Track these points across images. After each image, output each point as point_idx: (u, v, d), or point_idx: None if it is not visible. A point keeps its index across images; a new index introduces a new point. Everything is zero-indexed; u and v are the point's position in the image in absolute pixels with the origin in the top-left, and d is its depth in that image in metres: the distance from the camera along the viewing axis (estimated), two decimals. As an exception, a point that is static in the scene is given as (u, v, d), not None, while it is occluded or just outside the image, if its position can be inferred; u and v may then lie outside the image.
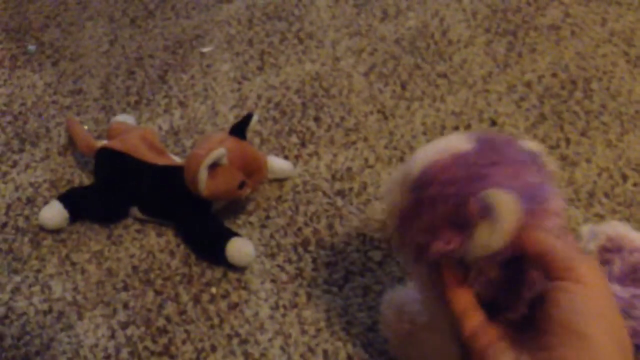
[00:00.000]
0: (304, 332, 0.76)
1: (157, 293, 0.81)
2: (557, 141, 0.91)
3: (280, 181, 0.89)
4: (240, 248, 0.80)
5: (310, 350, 0.75)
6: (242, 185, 0.79)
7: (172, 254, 0.84)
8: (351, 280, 0.80)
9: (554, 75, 0.98)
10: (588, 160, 0.89)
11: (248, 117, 0.81)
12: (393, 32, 1.06)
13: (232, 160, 0.78)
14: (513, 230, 0.51)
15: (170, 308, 0.79)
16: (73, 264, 0.84)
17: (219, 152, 0.75)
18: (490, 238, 0.51)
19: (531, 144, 0.58)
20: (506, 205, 0.50)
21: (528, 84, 0.97)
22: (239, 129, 0.81)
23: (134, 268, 0.83)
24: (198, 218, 0.83)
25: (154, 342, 0.77)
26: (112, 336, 0.77)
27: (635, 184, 0.85)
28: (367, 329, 0.76)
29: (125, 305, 0.80)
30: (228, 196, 0.80)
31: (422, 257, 0.57)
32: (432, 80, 0.99)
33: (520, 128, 0.92)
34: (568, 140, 0.91)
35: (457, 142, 0.56)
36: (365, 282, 0.80)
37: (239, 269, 0.81)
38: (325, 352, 0.75)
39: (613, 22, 1.04)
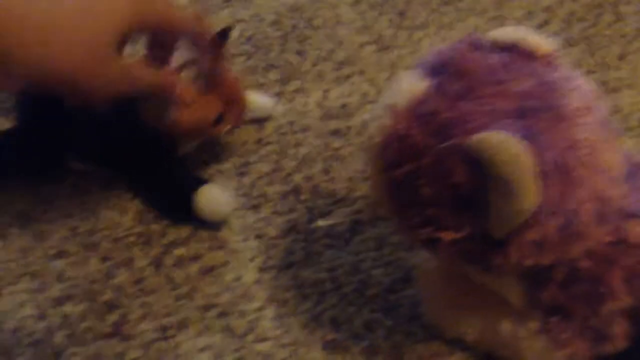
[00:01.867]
0: (304, 297, 0.57)
1: (104, 259, 0.61)
2: (593, 67, 0.75)
3: (258, 122, 0.71)
4: (212, 197, 0.61)
5: (315, 318, 0.56)
6: (219, 120, 0.61)
7: (123, 210, 0.64)
8: (360, 231, 0.62)
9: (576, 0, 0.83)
10: (631, 86, 0.74)
11: (225, 32, 0.62)
12: (382, -39, 0.90)
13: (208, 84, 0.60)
14: (535, 178, 0.34)
15: (121, 276, 0.59)
16: (-12, 228, 0.63)
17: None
18: (513, 205, 0.35)
19: (505, 32, 0.41)
20: (503, 152, 0.34)
21: (548, 9, 0.82)
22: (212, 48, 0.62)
23: (72, 230, 0.63)
24: (158, 163, 0.64)
25: (101, 320, 0.56)
26: (42, 316, 0.57)
27: (693, 108, 0.71)
28: (387, 290, 0.58)
29: (60, 277, 0.59)
30: (200, 132, 0.62)
31: (434, 251, 0.41)
32: (435, 7, 0.83)
33: (546, 54, 0.77)
34: (605, 66, 0.75)
35: (408, 85, 0.39)
36: (378, 232, 0.62)
37: (213, 225, 0.62)
38: (334, 320, 0.56)
39: (632, -54, 0.91)
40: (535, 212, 0.35)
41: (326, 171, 0.67)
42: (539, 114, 0.36)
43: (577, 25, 0.80)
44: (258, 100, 0.70)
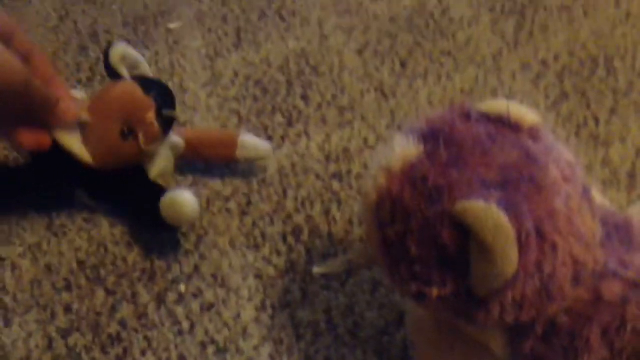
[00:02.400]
0: (299, 336, 0.60)
1: (109, 293, 0.63)
2: (584, 120, 0.78)
3: (262, 162, 0.74)
4: (176, 200, 0.62)
5: (309, 358, 0.58)
6: (126, 136, 0.63)
7: (129, 246, 0.67)
8: (355, 274, 0.64)
9: (572, 54, 0.86)
10: (623, 140, 0.76)
11: (106, 51, 0.67)
12: (387, 11, 0.93)
13: (97, 110, 0.64)
14: (514, 245, 0.37)
15: (125, 311, 0.62)
16: (1, 259, 0.66)
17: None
18: (494, 269, 0.38)
19: (494, 105, 0.44)
20: (485, 221, 0.37)
21: (544, 63, 0.85)
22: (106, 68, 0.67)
23: (80, 264, 0.65)
24: (129, 187, 0.67)
25: (104, 353, 0.59)
26: (49, 346, 0.59)
27: (681, 164, 0.73)
28: (380, 332, 0.60)
29: (68, 308, 0.62)
30: (117, 153, 0.64)
31: (422, 304, 0.44)
32: (436, 58, 0.86)
33: (540, 106, 0.80)
34: (597, 119, 0.78)
35: (402, 149, 0.43)
36: (373, 275, 0.64)
37: (213, 263, 0.65)
38: (328, 360, 0.58)
39: (628, 3, 0.94)
40: (515, 275, 0.38)
41: (326, 213, 0.70)
42: (520, 184, 0.39)
43: (570, 79, 0.83)
44: (254, 141, 0.72)
